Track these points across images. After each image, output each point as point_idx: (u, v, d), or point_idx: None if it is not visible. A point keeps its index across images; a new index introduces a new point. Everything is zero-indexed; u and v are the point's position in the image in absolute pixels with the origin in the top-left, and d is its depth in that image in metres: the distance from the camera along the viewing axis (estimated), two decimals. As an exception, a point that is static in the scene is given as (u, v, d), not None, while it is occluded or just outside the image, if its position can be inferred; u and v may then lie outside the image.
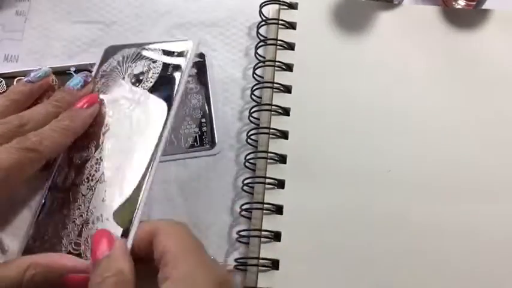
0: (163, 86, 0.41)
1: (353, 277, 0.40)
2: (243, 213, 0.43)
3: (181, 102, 0.46)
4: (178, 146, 0.45)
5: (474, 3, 0.49)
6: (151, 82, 0.41)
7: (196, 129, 0.46)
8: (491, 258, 0.41)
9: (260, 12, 0.48)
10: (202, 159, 0.45)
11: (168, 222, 0.34)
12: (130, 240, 0.34)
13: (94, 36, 0.49)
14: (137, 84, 0.42)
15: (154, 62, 0.42)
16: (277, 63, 0.47)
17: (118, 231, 0.34)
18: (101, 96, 0.42)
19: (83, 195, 0.38)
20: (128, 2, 0.51)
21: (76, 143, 0.40)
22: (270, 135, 0.44)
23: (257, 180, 0.43)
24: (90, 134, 0.40)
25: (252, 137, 0.45)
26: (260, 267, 0.40)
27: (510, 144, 0.44)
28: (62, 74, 0.47)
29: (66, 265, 0.33)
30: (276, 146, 0.44)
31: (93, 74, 0.44)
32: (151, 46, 0.44)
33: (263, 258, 0.40)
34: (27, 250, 0.37)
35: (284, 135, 0.45)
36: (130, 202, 0.36)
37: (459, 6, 0.50)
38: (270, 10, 0.49)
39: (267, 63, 0.47)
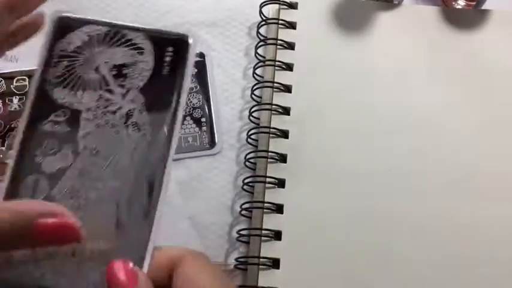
0: (159, 90, 0.30)
1: (353, 276, 0.40)
2: (243, 212, 0.43)
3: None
4: (178, 146, 0.45)
5: (474, 3, 0.49)
6: (141, 80, 0.30)
7: (197, 129, 0.46)
8: (493, 258, 0.41)
9: (260, 12, 0.48)
10: (202, 159, 0.45)
11: (191, 251, 0.30)
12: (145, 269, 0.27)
13: (94, 36, 0.49)
14: (121, 80, 0.30)
15: (141, 53, 0.31)
16: (277, 63, 0.47)
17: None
18: (68, 91, 0.30)
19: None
20: (128, 2, 0.51)
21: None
22: (270, 135, 0.44)
23: (257, 179, 0.43)
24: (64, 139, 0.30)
25: (252, 136, 0.45)
26: (261, 267, 0.40)
27: (511, 144, 0.44)
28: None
29: (36, 209, 0.27)
30: (276, 145, 0.44)
31: (42, 50, 0.31)
32: (134, 31, 0.31)
33: (264, 258, 0.40)
34: None
35: (284, 134, 0.44)
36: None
37: (459, 6, 0.50)
38: (270, 10, 0.49)
39: (267, 62, 0.47)
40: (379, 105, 0.46)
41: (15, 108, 0.48)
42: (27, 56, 0.48)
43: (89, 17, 0.31)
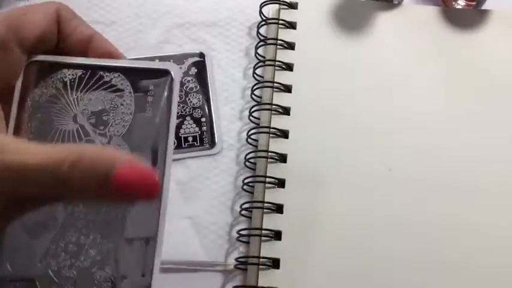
0: (144, 133, 0.28)
1: (353, 276, 0.40)
2: (243, 212, 0.43)
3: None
4: (178, 146, 0.45)
5: (474, 3, 0.49)
6: (123, 126, 0.28)
7: (197, 129, 0.46)
8: (494, 257, 0.41)
9: (260, 12, 0.49)
10: (202, 159, 0.45)
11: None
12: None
13: (94, 36, 0.49)
14: (101, 128, 0.28)
15: (120, 96, 0.28)
16: (277, 63, 0.47)
17: None
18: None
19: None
20: (128, 2, 0.51)
21: None
22: (270, 135, 0.44)
23: (257, 179, 0.43)
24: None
25: (252, 136, 0.45)
26: (261, 266, 0.40)
27: (511, 144, 0.44)
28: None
29: (115, 158, 0.24)
30: (276, 145, 0.44)
31: (14, 101, 0.28)
32: (111, 72, 0.29)
33: (263, 257, 0.40)
34: None
35: (284, 134, 0.44)
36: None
37: (459, 6, 0.50)
38: (270, 10, 0.49)
39: (267, 62, 0.47)
40: (379, 105, 0.46)
41: None
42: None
43: (60, 59, 0.28)
